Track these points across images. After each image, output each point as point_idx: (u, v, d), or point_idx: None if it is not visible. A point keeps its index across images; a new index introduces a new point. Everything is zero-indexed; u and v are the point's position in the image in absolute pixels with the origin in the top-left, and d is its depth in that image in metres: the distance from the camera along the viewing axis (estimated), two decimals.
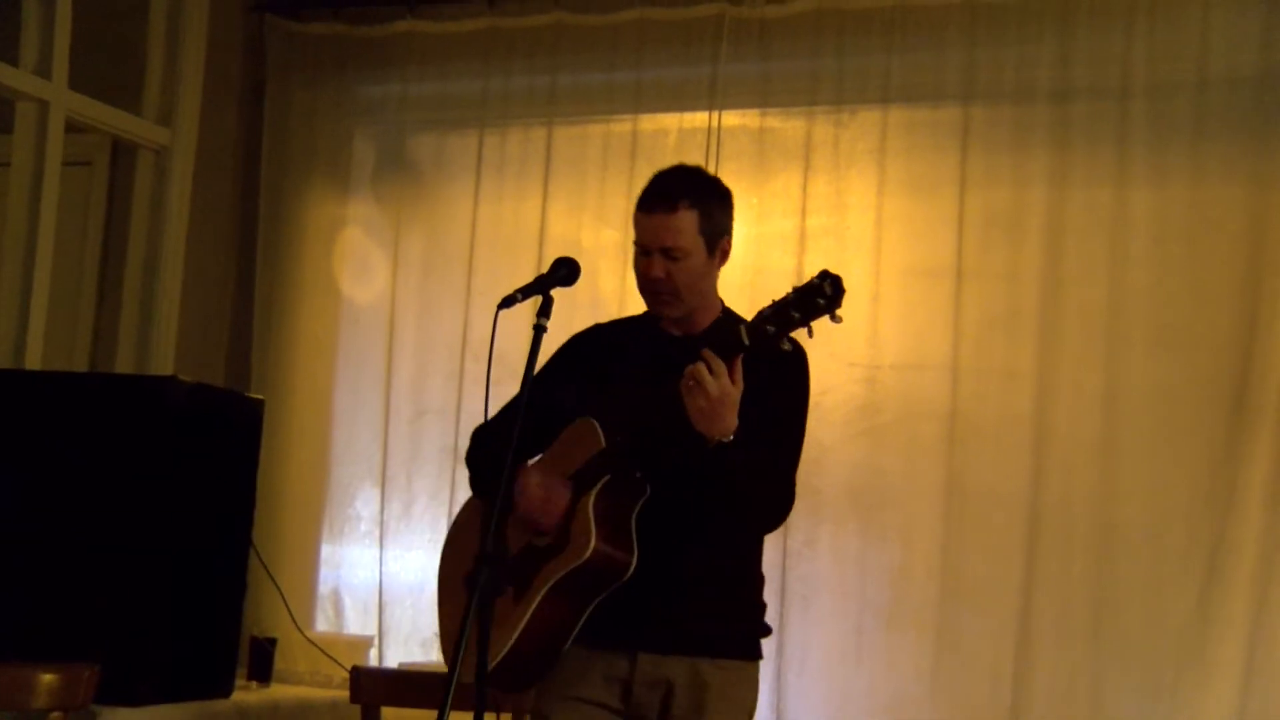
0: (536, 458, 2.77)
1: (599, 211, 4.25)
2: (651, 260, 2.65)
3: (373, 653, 4.36)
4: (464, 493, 2.97)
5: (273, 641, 3.99)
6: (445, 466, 4.34)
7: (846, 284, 2.39)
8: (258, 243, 4.66)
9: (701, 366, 2.42)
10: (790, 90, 4.12)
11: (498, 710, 3.09)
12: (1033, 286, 3.82)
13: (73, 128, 4.24)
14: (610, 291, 4.11)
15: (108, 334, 4.49)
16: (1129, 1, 3.80)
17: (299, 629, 4.21)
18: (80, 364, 4.45)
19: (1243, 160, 3.69)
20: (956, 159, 3.92)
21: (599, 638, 2.63)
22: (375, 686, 3.34)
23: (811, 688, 3.89)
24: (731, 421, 2.44)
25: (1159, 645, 3.60)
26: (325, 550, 4.51)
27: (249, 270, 4.68)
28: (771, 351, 2.43)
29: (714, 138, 4.11)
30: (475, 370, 4.29)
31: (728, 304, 2.79)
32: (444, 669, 2.71)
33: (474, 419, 4.15)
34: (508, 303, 2.53)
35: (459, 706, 2.27)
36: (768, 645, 2.80)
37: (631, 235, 2.69)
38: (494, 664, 2.56)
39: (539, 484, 2.64)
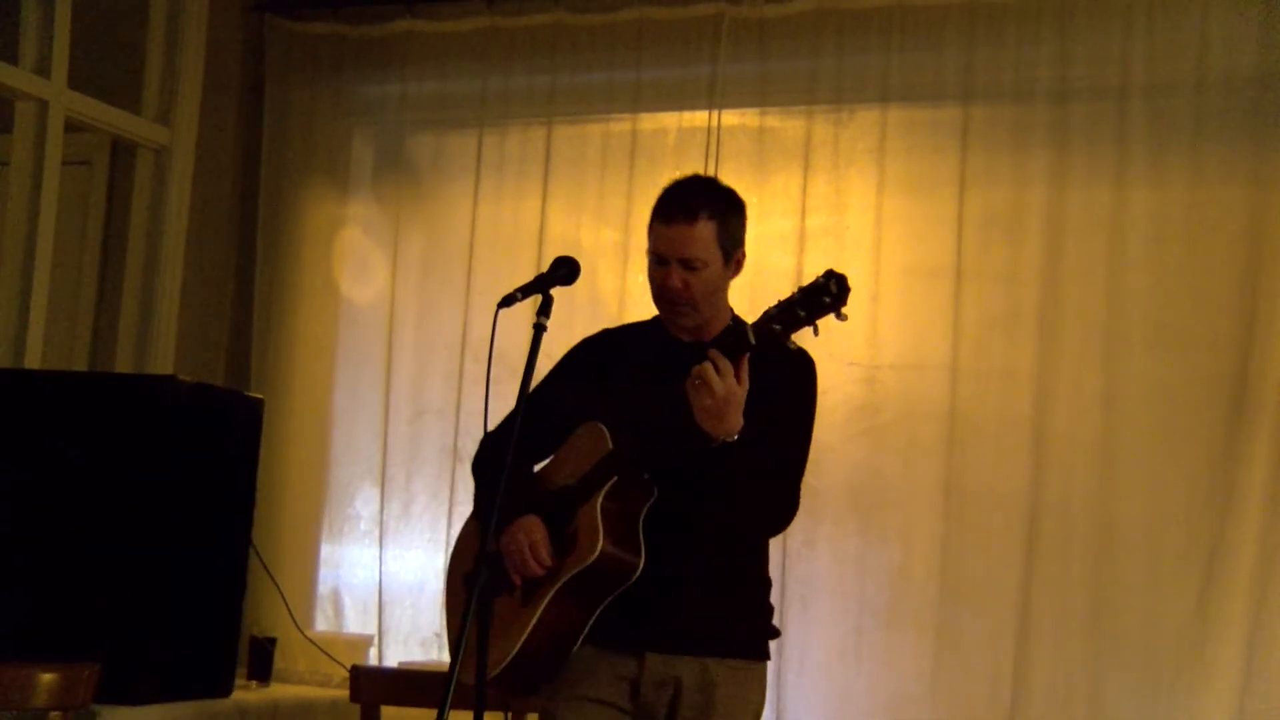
0: (545, 461, 2.78)
1: (598, 211, 4.24)
2: (669, 270, 2.65)
3: (372, 652, 4.36)
4: (464, 493, 2.97)
5: (272, 641, 3.99)
6: (445, 466, 4.33)
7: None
8: (257, 242, 4.65)
9: (708, 365, 2.42)
10: (789, 90, 4.12)
11: (505, 709, 3.09)
12: (1032, 286, 3.82)
13: (72, 127, 4.24)
14: (610, 291, 4.10)
15: (107, 334, 4.48)
16: (1128, 2, 3.80)
17: (299, 628, 4.22)
18: (80, 363, 4.45)
19: (1242, 160, 3.69)
20: (956, 159, 3.92)
21: (607, 638, 2.64)
22: (375, 686, 3.35)
23: (811, 688, 3.89)
24: (737, 421, 2.44)
25: (1158, 645, 3.61)
26: (325, 550, 4.51)
27: (248, 270, 4.68)
28: (778, 350, 2.43)
29: (713, 137, 4.10)
30: (475, 370, 4.29)
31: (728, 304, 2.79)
32: (443, 668, 2.70)
33: (474, 419, 4.19)
34: (507, 302, 2.53)
35: (460, 705, 2.27)
36: None
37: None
38: (503, 666, 2.57)
39: (509, 532, 2.61)
